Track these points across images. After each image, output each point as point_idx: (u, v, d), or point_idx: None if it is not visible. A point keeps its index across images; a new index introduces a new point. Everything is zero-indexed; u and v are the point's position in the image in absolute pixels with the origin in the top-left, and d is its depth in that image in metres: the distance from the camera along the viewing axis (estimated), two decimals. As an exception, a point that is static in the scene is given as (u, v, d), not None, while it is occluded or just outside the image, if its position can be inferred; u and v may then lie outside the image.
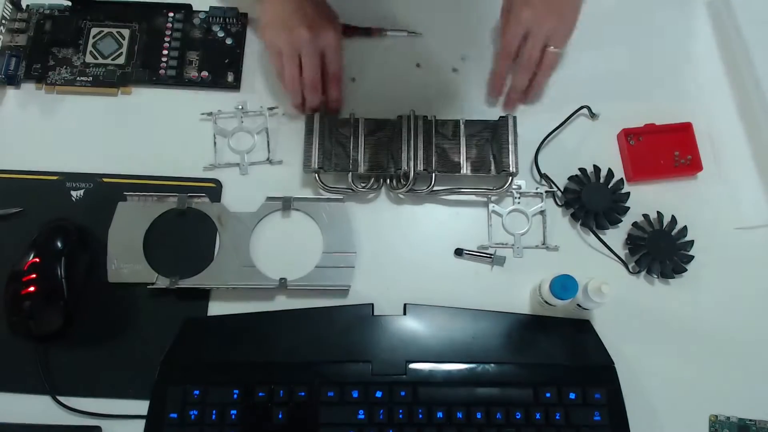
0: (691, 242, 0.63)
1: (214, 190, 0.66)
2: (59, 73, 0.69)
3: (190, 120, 0.68)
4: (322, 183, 0.64)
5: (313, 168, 0.63)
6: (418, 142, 0.64)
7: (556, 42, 0.63)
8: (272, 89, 0.69)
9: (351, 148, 0.64)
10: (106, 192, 0.65)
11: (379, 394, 0.57)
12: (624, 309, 0.62)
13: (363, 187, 0.64)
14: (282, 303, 0.63)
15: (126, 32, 0.70)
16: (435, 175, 0.64)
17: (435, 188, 0.64)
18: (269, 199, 0.65)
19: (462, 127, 0.65)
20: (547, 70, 0.65)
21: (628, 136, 0.66)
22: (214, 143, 0.67)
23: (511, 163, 0.63)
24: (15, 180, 0.65)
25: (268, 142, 0.67)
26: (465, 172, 0.64)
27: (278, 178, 0.66)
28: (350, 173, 0.64)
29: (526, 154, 0.67)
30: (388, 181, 0.65)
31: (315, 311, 0.61)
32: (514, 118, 0.64)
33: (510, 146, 0.63)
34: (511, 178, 0.64)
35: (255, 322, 0.61)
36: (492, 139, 0.65)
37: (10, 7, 0.70)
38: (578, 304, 0.58)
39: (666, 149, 0.66)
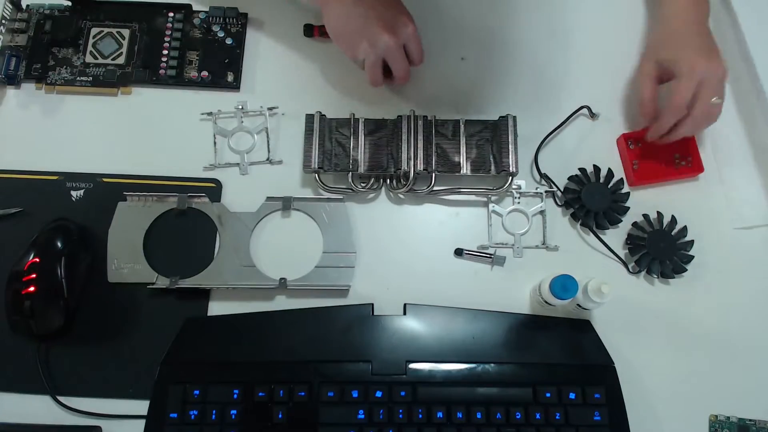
0: (691, 242, 0.63)
1: (214, 190, 0.66)
2: (59, 73, 0.69)
3: (190, 120, 0.68)
4: (322, 183, 0.64)
5: (313, 168, 0.63)
6: (418, 142, 0.64)
7: (718, 93, 0.62)
8: (272, 89, 0.69)
9: (351, 148, 0.64)
10: (106, 192, 0.65)
11: (379, 393, 0.57)
12: (624, 309, 0.62)
13: (363, 187, 0.65)
14: (282, 303, 0.63)
15: (126, 32, 0.70)
16: (435, 175, 0.64)
17: (435, 188, 0.64)
18: (269, 199, 0.65)
19: (462, 126, 0.65)
20: (711, 120, 0.63)
21: (627, 140, 0.66)
22: (214, 143, 0.67)
23: (511, 162, 0.63)
24: (15, 180, 0.65)
25: (268, 142, 0.67)
26: (465, 172, 0.64)
27: (278, 178, 0.66)
28: (350, 173, 0.64)
29: (526, 154, 0.67)
30: (388, 181, 0.65)
31: (315, 311, 0.61)
32: (514, 117, 0.64)
33: (510, 146, 0.63)
34: (511, 177, 0.64)
35: (255, 322, 0.61)
36: (492, 139, 0.65)
37: (10, 7, 0.70)
38: (578, 304, 0.58)
39: (666, 152, 0.66)
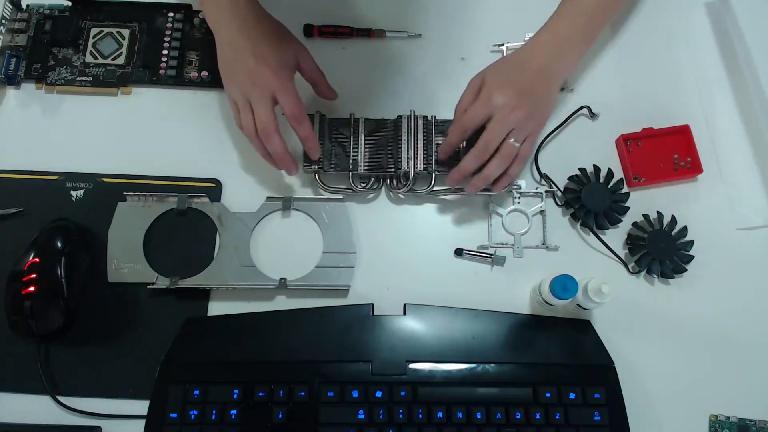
0: (691, 242, 0.63)
1: (214, 190, 0.66)
2: (59, 73, 0.69)
3: (190, 120, 0.68)
4: (322, 183, 0.64)
5: (313, 168, 0.63)
6: (418, 142, 0.64)
7: (518, 135, 0.59)
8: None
9: (351, 148, 0.64)
10: (106, 192, 0.65)
11: (379, 393, 0.57)
12: (624, 309, 0.62)
13: (363, 187, 0.65)
14: (282, 303, 0.63)
15: (126, 32, 0.70)
16: (435, 175, 0.64)
17: (435, 188, 0.64)
18: (269, 199, 0.65)
19: None
20: (501, 161, 0.59)
21: (626, 141, 0.66)
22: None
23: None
24: (15, 180, 0.65)
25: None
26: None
27: (278, 178, 0.66)
28: (350, 173, 0.64)
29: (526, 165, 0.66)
30: (388, 181, 0.65)
31: (315, 311, 0.61)
32: None
33: None
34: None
35: (255, 322, 0.61)
36: None
37: (10, 7, 0.70)
38: (578, 304, 0.58)
39: (665, 153, 0.66)
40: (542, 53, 0.61)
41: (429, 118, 0.65)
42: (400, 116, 0.65)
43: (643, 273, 0.63)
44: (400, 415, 0.56)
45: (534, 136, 0.61)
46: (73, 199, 0.65)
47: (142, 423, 0.57)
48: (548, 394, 0.57)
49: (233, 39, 0.58)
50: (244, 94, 0.58)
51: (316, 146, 0.62)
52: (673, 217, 0.64)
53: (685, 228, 0.64)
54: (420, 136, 0.64)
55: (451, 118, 0.65)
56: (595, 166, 0.66)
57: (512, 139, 0.58)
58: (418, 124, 0.64)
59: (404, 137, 0.64)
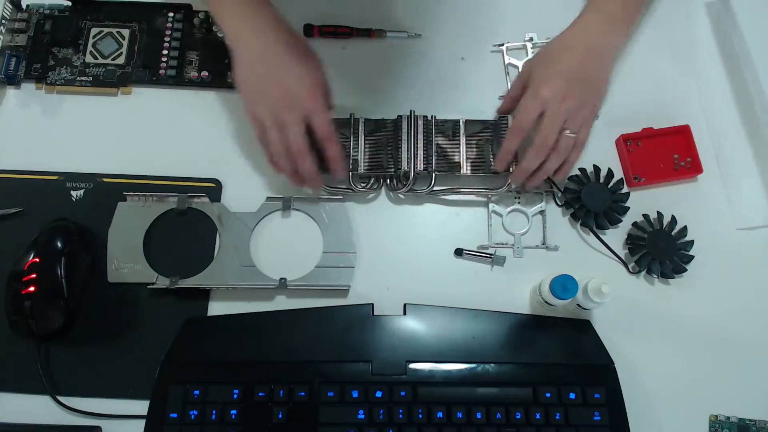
0: (691, 242, 0.63)
1: (214, 190, 0.66)
2: (59, 73, 0.69)
3: (190, 120, 0.68)
4: (323, 184, 0.64)
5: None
6: (418, 142, 0.64)
7: (573, 125, 0.58)
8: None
9: (351, 148, 0.64)
10: (106, 192, 0.65)
11: (379, 393, 0.57)
12: (624, 309, 0.62)
13: (363, 187, 0.65)
14: (282, 303, 0.63)
15: (126, 32, 0.70)
16: (435, 175, 0.64)
17: (435, 188, 0.64)
18: (269, 199, 0.65)
19: (462, 126, 0.65)
20: (560, 154, 0.59)
21: (626, 141, 0.66)
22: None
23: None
24: (15, 180, 0.65)
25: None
26: (465, 171, 0.64)
27: (278, 178, 0.66)
28: (350, 173, 0.64)
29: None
30: (388, 181, 0.65)
31: (315, 311, 0.61)
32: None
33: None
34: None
35: (255, 322, 0.61)
36: (492, 139, 0.65)
37: (10, 7, 0.70)
38: (578, 304, 0.58)
39: (665, 153, 0.66)
40: (588, 33, 0.59)
41: (429, 118, 0.65)
42: (400, 116, 0.65)
43: (643, 273, 0.63)
44: (400, 415, 0.56)
45: (590, 120, 0.60)
46: (73, 199, 0.65)
47: (142, 423, 0.57)
48: (548, 394, 0.57)
49: (266, 54, 0.56)
50: (276, 114, 0.57)
51: (344, 165, 0.61)
52: (673, 217, 0.64)
53: (685, 228, 0.64)
54: (420, 137, 0.64)
55: (452, 117, 0.65)
56: (595, 166, 0.66)
57: (568, 131, 0.58)
58: (418, 124, 0.64)
59: (404, 137, 0.64)
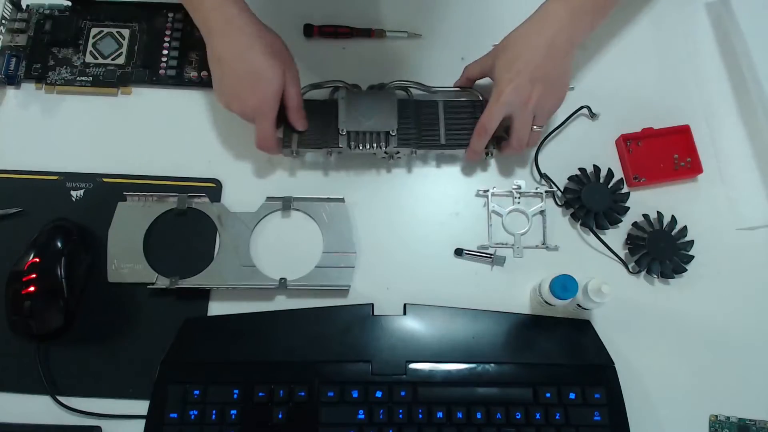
0: (691, 242, 0.63)
1: (214, 190, 0.66)
2: (59, 73, 0.69)
3: (190, 120, 0.68)
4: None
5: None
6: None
7: (540, 120, 0.61)
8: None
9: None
10: (106, 192, 0.65)
11: (379, 394, 0.57)
12: (624, 309, 0.62)
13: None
14: (282, 303, 0.63)
15: (126, 32, 0.70)
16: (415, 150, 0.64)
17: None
18: (269, 199, 0.65)
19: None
20: (533, 143, 0.64)
21: (626, 141, 0.66)
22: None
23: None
24: (15, 180, 0.65)
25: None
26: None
27: (278, 178, 0.66)
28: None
29: (526, 154, 0.67)
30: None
31: (315, 311, 0.61)
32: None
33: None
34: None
35: (255, 322, 0.61)
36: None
37: (10, 7, 0.70)
38: (578, 304, 0.58)
39: (665, 153, 0.66)
40: (551, 25, 0.58)
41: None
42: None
43: (643, 273, 0.63)
44: (400, 415, 0.56)
45: (555, 108, 0.62)
46: (73, 199, 0.65)
47: (142, 423, 0.57)
48: (548, 394, 0.57)
49: (243, 54, 0.57)
50: (247, 116, 0.60)
51: (304, 123, 0.63)
52: (673, 217, 0.64)
53: (685, 228, 0.64)
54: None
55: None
56: (595, 166, 0.66)
57: (535, 127, 0.61)
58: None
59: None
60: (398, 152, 0.65)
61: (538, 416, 0.56)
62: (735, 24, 0.68)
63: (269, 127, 0.60)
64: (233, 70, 0.58)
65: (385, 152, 0.64)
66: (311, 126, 0.64)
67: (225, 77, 0.59)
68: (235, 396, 0.57)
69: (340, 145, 0.63)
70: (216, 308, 0.62)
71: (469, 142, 0.63)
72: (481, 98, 0.66)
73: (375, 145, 0.63)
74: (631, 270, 0.64)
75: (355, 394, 0.57)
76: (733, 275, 0.64)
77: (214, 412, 0.56)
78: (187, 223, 0.64)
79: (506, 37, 0.61)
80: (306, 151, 0.65)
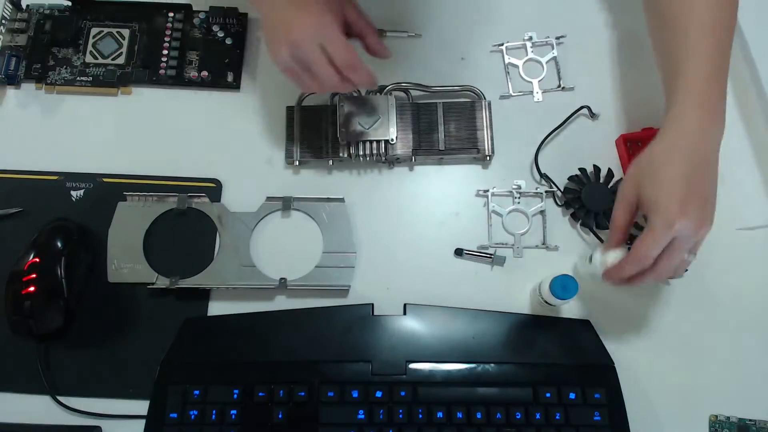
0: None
1: (214, 190, 0.66)
2: (59, 73, 0.69)
3: (190, 120, 0.68)
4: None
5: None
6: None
7: (696, 248, 0.54)
8: (272, 89, 0.69)
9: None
10: (106, 192, 0.65)
11: (379, 393, 0.57)
12: (624, 309, 0.62)
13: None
14: (282, 303, 0.63)
15: (126, 32, 0.70)
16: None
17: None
18: (269, 199, 0.65)
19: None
20: (677, 276, 0.58)
21: (626, 141, 0.66)
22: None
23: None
24: (15, 180, 0.65)
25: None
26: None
27: (278, 178, 0.66)
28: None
29: (525, 154, 0.67)
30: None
31: (315, 311, 0.61)
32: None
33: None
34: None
35: (255, 322, 0.61)
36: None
37: (10, 7, 0.70)
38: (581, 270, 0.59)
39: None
40: (705, 136, 0.51)
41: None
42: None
43: (643, 273, 0.63)
44: (400, 415, 0.56)
45: (705, 237, 0.54)
46: (73, 199, 0.65)
47: (142, 423, 0.57)
48: (548, 394, 0.57)
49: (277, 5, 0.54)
50: (294, 55, 0.54)
51: (372, 80, 0.58)
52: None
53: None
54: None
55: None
56: (595, 166, 0.66)
57: (689, 256, 0.53)
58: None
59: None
60: (398, 158, 0.65)
61: (538, 416, 0.56)
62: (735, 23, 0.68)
63: (339, 38, 0.54)
64: (284, 12, 0.54)
65: (385, 159, 0.65)
66: (312, 136, 0.65)
67: (275, 28, 0.55)
68: (235, 396, 0.57)
69: (341, 155, 0.64)
70: (216, 308, 0.62)
71: (616, 266, 0.55)
72: (479, 98, 0.67)
73: (375, 153, 0.64)
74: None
75: (355, 394, 0.57)
76: (732, 275, 0.63)
77: (214, 412, 0.56)
78: (187, 223, 0.64)
79: (645, 159, 0.54)
80: (308, 161, 0.66)
